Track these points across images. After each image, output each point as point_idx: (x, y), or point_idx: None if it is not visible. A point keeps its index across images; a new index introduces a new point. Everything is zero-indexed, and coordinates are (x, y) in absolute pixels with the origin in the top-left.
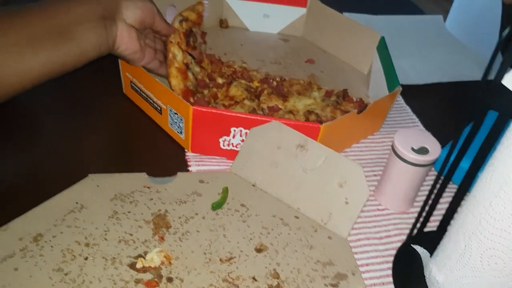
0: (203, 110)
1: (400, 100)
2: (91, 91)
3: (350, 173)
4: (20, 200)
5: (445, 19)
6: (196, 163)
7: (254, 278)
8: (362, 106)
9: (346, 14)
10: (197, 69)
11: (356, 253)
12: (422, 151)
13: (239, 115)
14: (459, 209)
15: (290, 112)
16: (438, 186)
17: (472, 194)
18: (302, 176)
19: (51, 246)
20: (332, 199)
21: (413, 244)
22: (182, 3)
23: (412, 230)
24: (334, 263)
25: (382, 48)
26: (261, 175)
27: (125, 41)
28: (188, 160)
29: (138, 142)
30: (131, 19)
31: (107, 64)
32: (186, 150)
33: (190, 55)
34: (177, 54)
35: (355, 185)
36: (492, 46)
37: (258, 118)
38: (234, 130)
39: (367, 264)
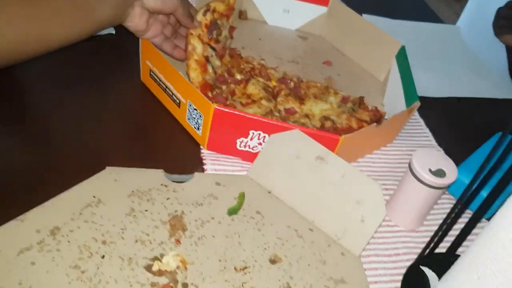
0: (225, 110)
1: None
2: (107, 75)
3: (368, 191)
4: (36, 186)
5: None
6: (212, 161)
7: None
8: (377, 116)
9: (365, 16)
10: (217, 62)
11: (365, 269)
12: (440, 173)
13: (260, 119)
14: (475, 239)
15: (306, 116)
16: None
17: (490, 227)
18: (319, 189)
19: (68, 241)
20: (348, 216)
21: (422, 265)
22: None
23: (423, 252)
24: (346, 281)
25: (402, 57)
26: (278, 183)
27: (135, 21)
28: (204, 157)
29: (153, 133)
30: (148, 5)
31: (125, 49)
32: (201, 147)
33: (212, 48)
34: (196, 46)
35: (372, 204)
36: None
37: (279, 124)
38: (253, 133)
39: (375, 282)
